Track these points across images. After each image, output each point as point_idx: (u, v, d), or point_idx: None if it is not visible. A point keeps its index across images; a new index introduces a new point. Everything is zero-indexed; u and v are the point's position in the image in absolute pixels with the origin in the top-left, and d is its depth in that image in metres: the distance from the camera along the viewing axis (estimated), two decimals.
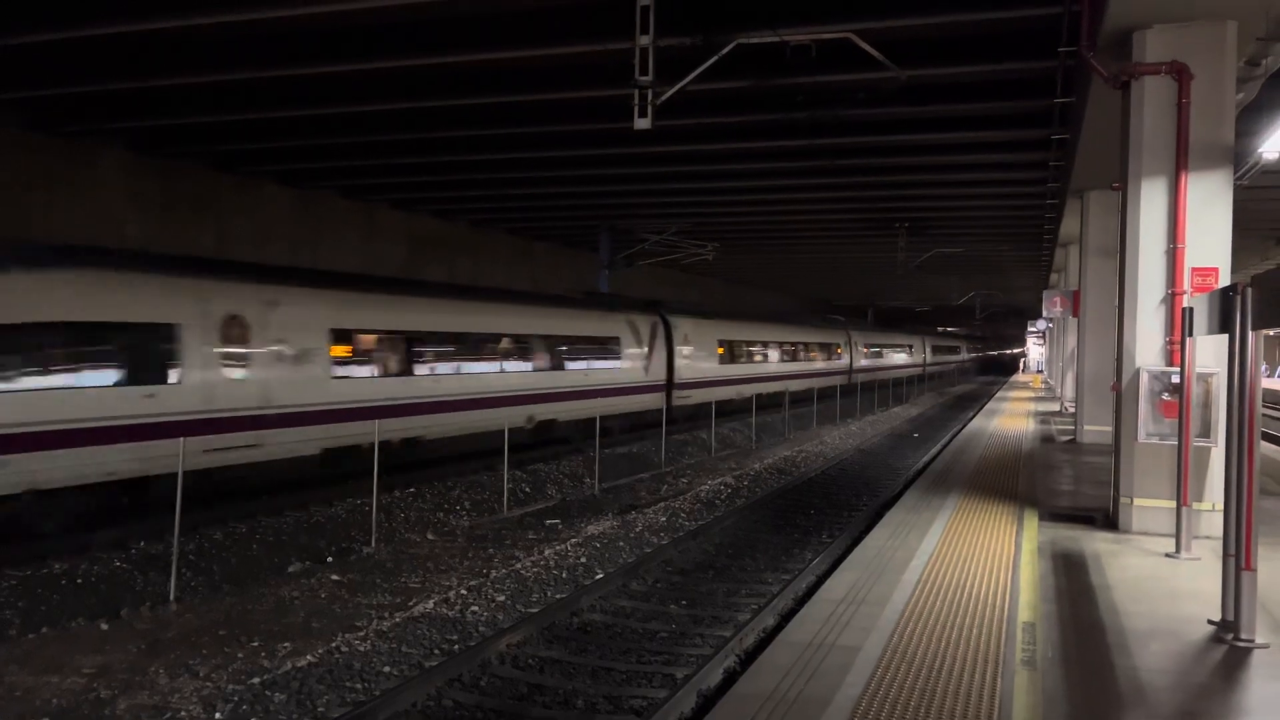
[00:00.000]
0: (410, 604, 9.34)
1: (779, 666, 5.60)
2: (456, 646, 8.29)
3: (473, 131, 15.81)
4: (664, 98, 11.11)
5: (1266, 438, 23.84)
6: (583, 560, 11.23)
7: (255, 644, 8.13)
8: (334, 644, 8.09)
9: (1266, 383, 55.76)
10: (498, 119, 15.31)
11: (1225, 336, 5.86)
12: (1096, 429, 17.13)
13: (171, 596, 9.48)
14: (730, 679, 7.21)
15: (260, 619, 8.87)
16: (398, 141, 16.86)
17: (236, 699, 6.85)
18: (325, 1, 10.37)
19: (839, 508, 15.03)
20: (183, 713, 6.61)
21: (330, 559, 11.32)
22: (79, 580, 9.80)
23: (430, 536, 12.61)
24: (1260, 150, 11.80)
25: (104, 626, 8.60)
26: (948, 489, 12.30)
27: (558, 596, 9.77)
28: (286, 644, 8.12)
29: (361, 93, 13.85)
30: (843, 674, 5.46)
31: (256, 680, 7.20)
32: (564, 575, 10.61)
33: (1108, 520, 9.85)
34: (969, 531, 9.48)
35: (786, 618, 8.76)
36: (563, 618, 9.04)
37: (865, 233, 28.36)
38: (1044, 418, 24.68)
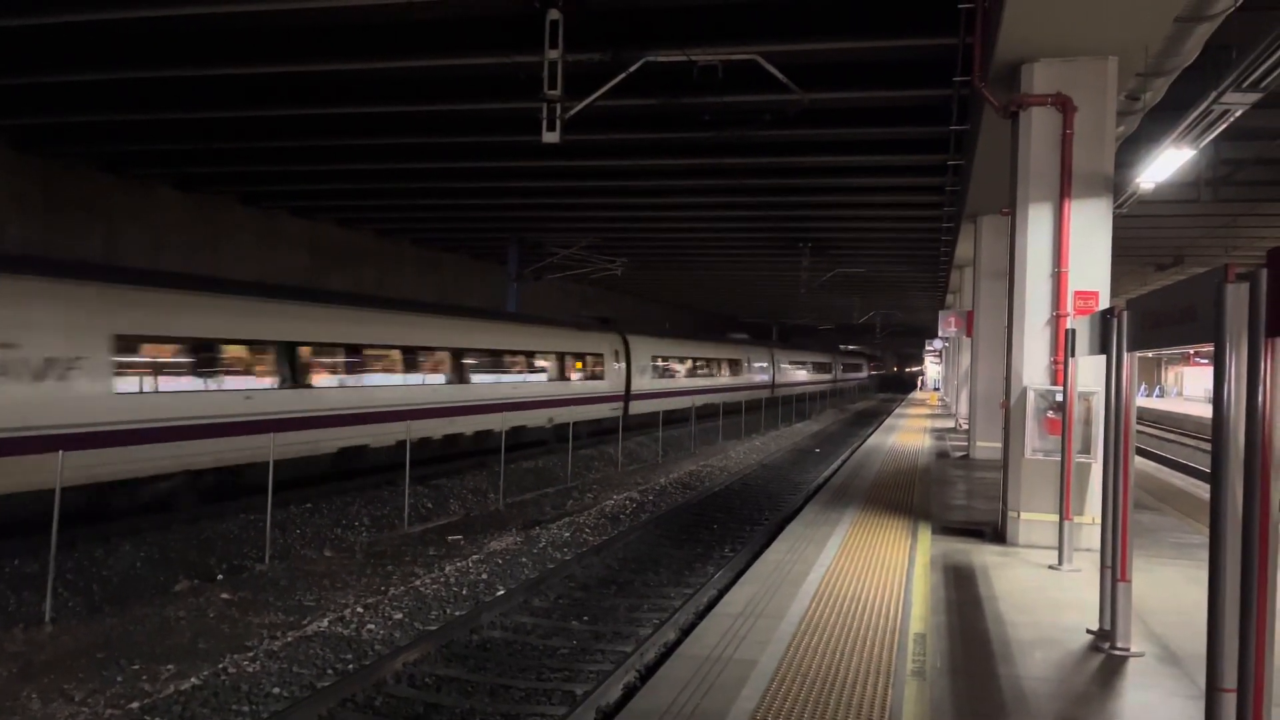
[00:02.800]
0: (304, 623, 9.07)
1: (677, 681, 5.61)
2: (351, 666, 8.09)
3: (379, 140, 15.56)
4: (573, 112, 11.14)
5: (1142, 454, 25.05)
6: (484, 576, 11.09)
7: (136, 666, 7.78)
8: (221, 665, 7.81)
9: (1144, 403, 58.64)
10: (405, 128, 15.10)
11: (1104, 357, 6.13)
12: (988, 445, 17.73)
13: (47, 617, 9.01)
14: (630, 694, 7.20)
15: (143, 640, 8.50)
16: (300, 148, 16.48)
17: None
18: (222, 2, 10.09)
19: (741, 522, 15.20)
20: None
21: (220, 576, 10.93)
22: None
23: (327, 553, 12.29)
24: (1138, 180, 12.43)
25: None
26: (846, 503, 12.56)
27: (457, 613, 9.62)
28: (170, 666, 7.80)
29: (262, 96, 13.50)
30: (739, 687, 5.50)
31: (135, 705, 6.90)
32: (464, 592, 10.45)
33: (997, 534, 10.19)
34: (865, 545, 9.69)
35: (687, 632, 8.80)
36: (462, 635, 8.90)
37: (770, 251, 28.86)
38: (940, 434, 25.44)
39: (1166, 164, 11.48)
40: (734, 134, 14.31)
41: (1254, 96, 8.86)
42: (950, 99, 12.40)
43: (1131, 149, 12.78)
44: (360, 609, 9.52)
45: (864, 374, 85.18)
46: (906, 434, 25.37)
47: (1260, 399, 3.18)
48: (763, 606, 7.28)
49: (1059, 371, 9.20)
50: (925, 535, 10.32)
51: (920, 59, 11.74)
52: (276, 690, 7.44)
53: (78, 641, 8.44)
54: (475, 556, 11.94)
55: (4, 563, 10.53)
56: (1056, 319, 9.37)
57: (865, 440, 25.12)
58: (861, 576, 8.30)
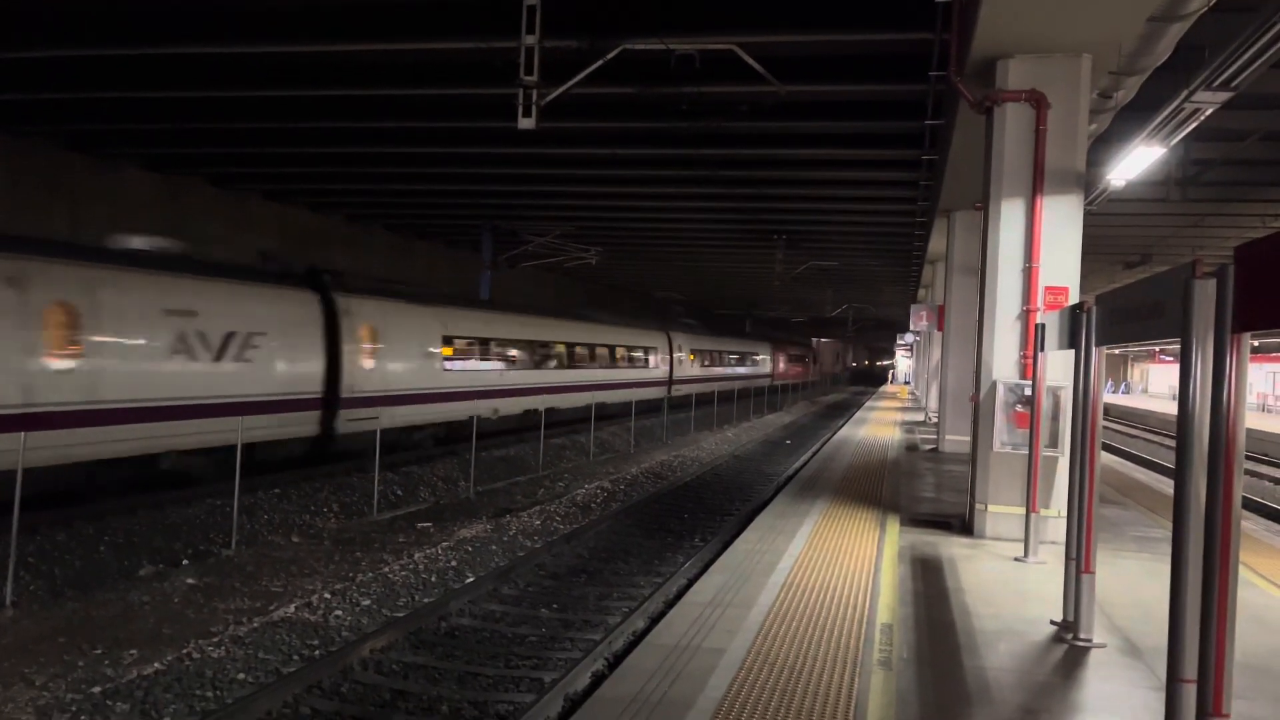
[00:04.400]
0: (270, 608, 8.99)
1: (645, 670, 5.62)
2: (318, 652, 8.03)
3: (353, 124, 15.40)
4: (549, 99, 11.07)
5: (1107, 449, 25.37)
6: (453, 564, 11.05)
7: (98, 651, 7.69)
8: (185, 650, 7.72)
9: (1110, 399, 59.40)
10: (379, 112, 14.95)
11: (1073, 352, 6.19)
12: (957, 438, 17.88)
13: (7, 601, 8.88)
14: (598, 682, 7.20)
15: (105, 625, 8.39)
16: (271, 130, 16.27)
17: (74, 709, 6.46)
18: None
19: (712, 512, 15.24)
20: None
21: (186, 561, 10.81)
22: None
23: (295, 539, 12.19)
24: (1108, 178, 12.56)
25: None
26: (816, 494, 12.62)
27: (426, 600, 9.59)
28: (133, 651, 7.70)
29: (234, 77, 13.31)
30: (707, 676, 5.52)
31: (97, 689, 6.81)
32: (433, 579, 10.41)
33: (964, 526, 10.29)
34: (834, 536, 9.75)
35: (656, 620, 8.82)
36: (430, 622, 8.87)
37: (745, 243, 28.92)
38: (909, 427, 25.64)
39: (1137, 162, 11.60)
40: (710, 125, 14.29)
41: (1224, 96, 8.96)
42: (926, 94, 12.46)
43: (1103, 147, 12.91)
44: (328, 595, 9.46)
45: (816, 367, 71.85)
46: (877, 427, 25.54)
47: (1225, 394, 3.21)
48: (732, 596, 7.31)
49: (1028, 366, 9.28)
50: (894, 527, 10.40)
51: (897, 53, 11.78)
52: (242, 676, 7.37)
53: (39, 626, 8.33)
54: (445, 544, 11.89)
55: None
56: (1027, 313, 9.46)
57: (836, 432, 25.27)
58: (830, 567, 8.35)
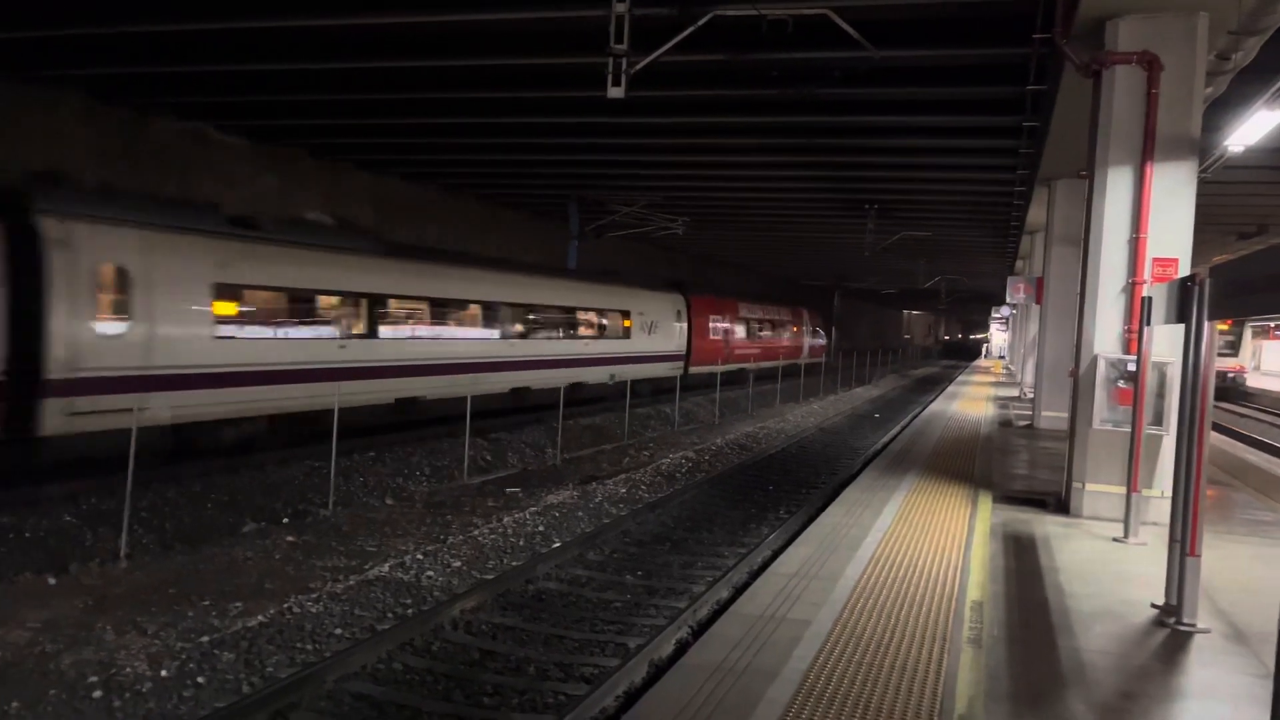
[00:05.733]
0: (365, 567, 9.29)
1: (729, 638, 5.63)
2: (410, 611, 8.27)
3: (444, 94, 15.56)
4: (638, 67, 11.01)
5: (1216, 428, 24.30)
6: (540, 529, 11.23)
7: (206, 603, 8.06)
8: (286, 605, 8.04)
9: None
10: (470, 83, 15.08)
11: (1182, 326, 5.93)
12: (1054, 415, 17.36)
13: (122, 553, 9.36)
14: (682, 650, 7.26)
15: (212, 578, 8.79)
16: (367, 101, 16.56)
17: (184, 657, 6.79)
18: None
19: (797, 484, 15.15)
20: (128, 669, 6.54)
21: (286, 520, 11.23)
22: (26, 535, 9.64)
23: (389, 501, 12.55)
24: (1225, 143, 11.93)
25: (51, 581, 8.49)
26: (904, 469, 12.42)
27: (513, 564, 9.78)
28: (238, 604, 8.05)
29: (331, 50, 13.56)
30: (792, 647, 5.51)
31: (205, 639, 7.15)
32: (521, 543, 10.61)
33: (1060, 504, 10.00)
34: (924, 511, 9.59)
35: (740, 591, 8.82)
36: (518, 585, 9.04)
37: (834, 213, 28.42)
38: (1003, 402, 24.99)
39: (1257, 127, 11.00)
40: (802, 92, 14.01)
41: None
42: (1028, 57, 11.98)
43: (1219, 111, 12.25)
44: (420, 556, 9.72)
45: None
46: (969, 402, 24.97)
47: None
48: (818, 568, 7.26)
49: (1132, 340, 8.93)
50: (985, 503, 10.18)
51: (998, 16, 11.34)
52: (338, 631, 7.64)
53: (150, 577, 8.76)
54: (532, 509, 12.09)
55: (83, 500, 10.94)
56: (1132, 286, 9.09)
57: (926, 407, 24.80)
58: (919, 542, 8.22)
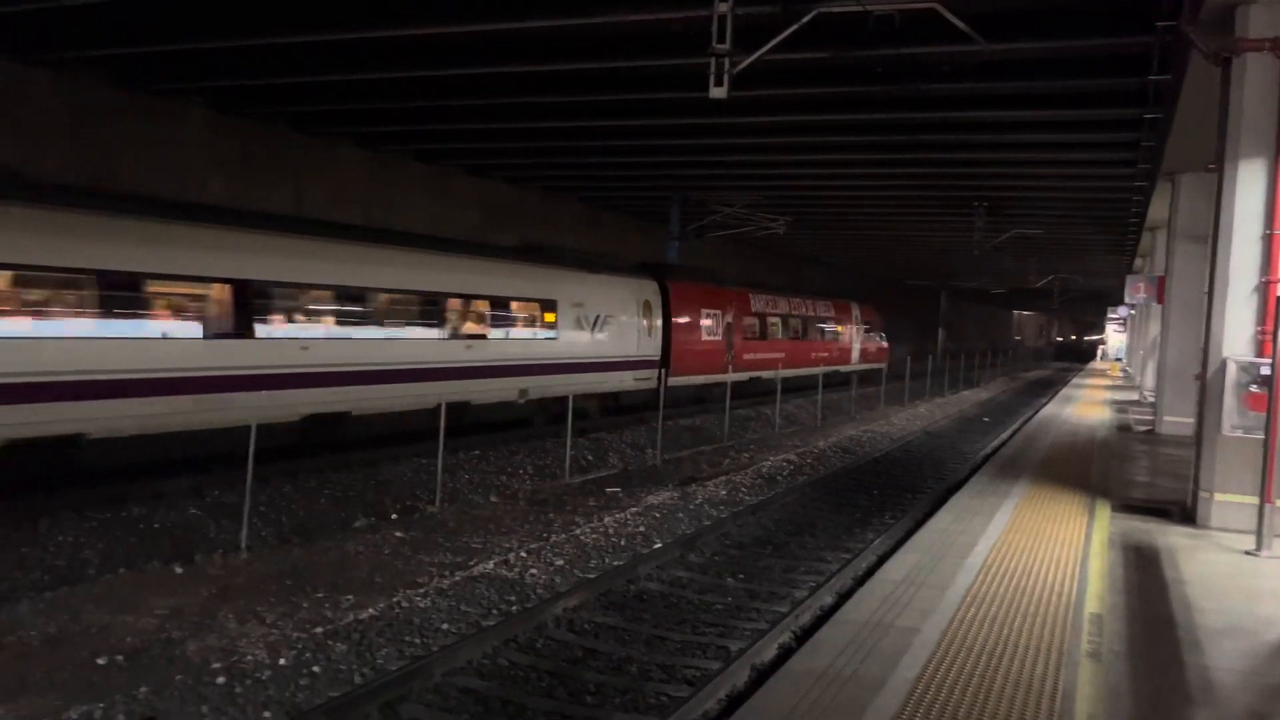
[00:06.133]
0: (470, 564, 9.47)
1: (835, 645, 5.54)
2: (514, 608, 8.39)
3: (548, 98, 15.78)
4: (740, 67, 10.94)
5: None
6: (641, 529, 11.27)
7: (320, 595, 8.33)
8: (395, 599, 8.25)
9: None
10: (574, 86, 15.24)
11: None
12: (1176, 420, 16.57)
13: (243, 545, 9.75)
14: (785, 655, 7.17)
15: (325, 571, 9.09)
16: (471, 106, 16.91)
17: (300, 646, 7.03)
18: None
19: (902, 489, 14.83)
20: (249, 657, 6.80)
21: (395, 516, 11.53)
22: (156, 525, 10.14)
23: (493, 499, 12.78)
24: None
25: (178, 570, 8.90)
26: (1016, 475, 12.03)
27: (615, 564, 9.83)
28: (349, 596, 8.30)
29: (436, 57, 13.90)
30: (899, 655, 5.38)
31: (319, 630, 7.38)
32: (622, 543, 10.66)
33: (1185, 514, 9.53)
34: (1037, 519, 9.26)
35: (845, 597, 8.68)
36: (619, 585, 9.09)
37: (941, 211, 27.74)
38: (1121, 406, 23.97)
39: None
40: (908, 88, 13.72)
41: None
42: (1151, 47, 11.46)
43: None
44: (524, 554, 9.86)
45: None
46: (1084, 405, 24.04)
47: None
48: (925, 575, 7.09)
49: (1266, 342, 8.44)
50: (1104, 512, 9.77)
51: (1118, 4, 10.88)
52: (445, 626, 7.81)
53: (269, 568, 9.11)
54: (633, 509, 12.14)
55: (206, 493, 11.45)
56: (1266, 285, 8.60)
57: (1038, 411, 23.98)
58: (1032, 551, 7.94)
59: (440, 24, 12.19)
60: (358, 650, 7.13)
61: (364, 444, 14.39)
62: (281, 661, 6.78)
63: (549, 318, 18.51)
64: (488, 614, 8.21)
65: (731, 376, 24.75)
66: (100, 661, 6.66)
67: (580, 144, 19.75)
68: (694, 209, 28.21)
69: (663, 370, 21.19)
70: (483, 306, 17.06)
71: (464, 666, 6.96)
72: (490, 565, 9.43)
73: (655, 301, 22.37)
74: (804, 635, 7.68)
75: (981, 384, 41.90)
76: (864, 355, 37.23)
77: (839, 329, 34.92)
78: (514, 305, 17.78)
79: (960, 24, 10.51)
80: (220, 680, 6.37)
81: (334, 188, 20.13)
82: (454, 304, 16.35)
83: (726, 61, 10.70)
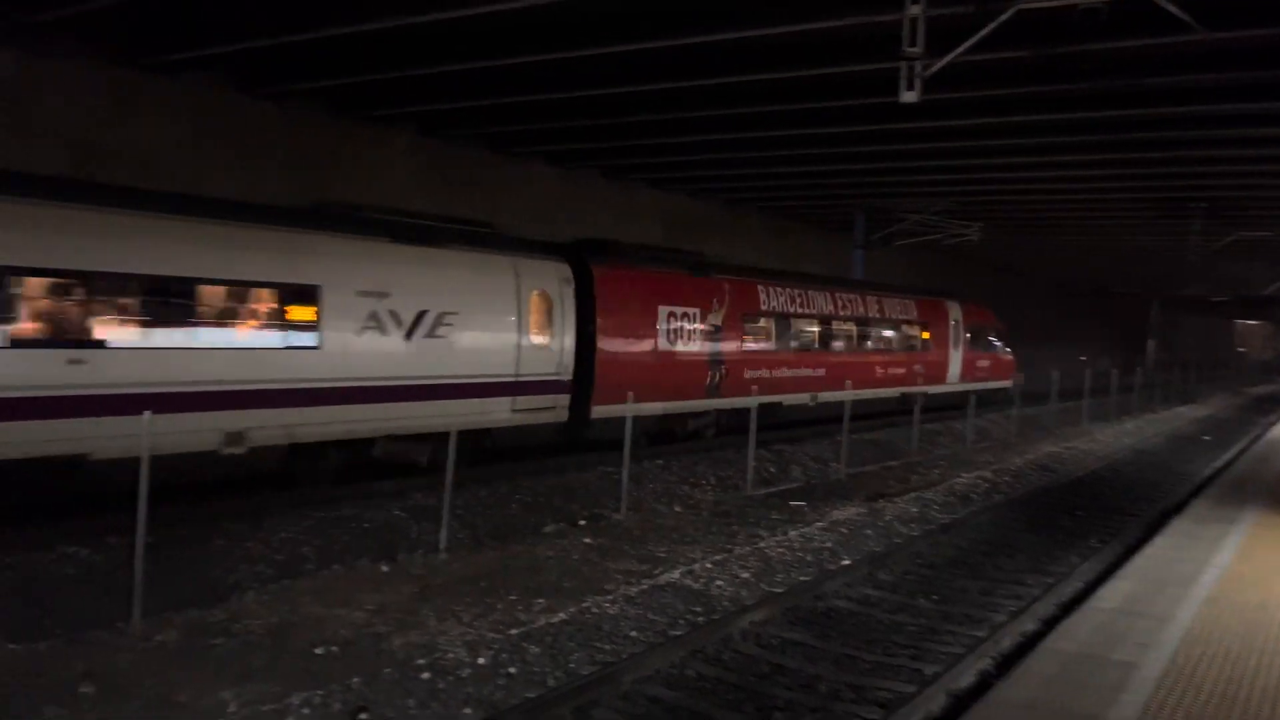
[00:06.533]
0: (656, 572, 9.56)
1: (1043, 675, 5.22)
2: (700, 619, 8.39)
3: (728, 110, 15.80)
4: (933, 69, 10.57)
5: None
6: (828, 545, 11.04)
7: (513, 597, 8.61)
8: (585, 604, 8.43)
9: None
10: (756, 97, 15.19)
11: None
12: None
13: (441, 546, 10.21)
14: (984, 682, 6.83)
15: (517, 574, 9.38)
16: (654, 121, 17.14)
17: (496, 647, 7.28)
18: None
19: (1110, 511, 13.85)
20: (450, 654, 7.11)
21: (582, 522, 11.79)
22: (365, 525, 10.78)
23: (676, 508, 12.86)
24: None
25: (383, 568, 9.43)
26: (1244, 500, 11.02)
27: (802, 579, 9.67)
28: (541, 600, 8.54)
29: (626, 73, 14.16)
30: (1116, 692, 5.01)
31: (514, 631, 7.63)
32: (808, 558, 10.48)
33: None
34: (1272, 548, 8.43)
35: (1049, 624, 8.18)
36: (807, 600, 8.93)
37: (1153, 215, 25.84)
38: None
39: None
40: (1117, 83, 12.87)
41: None
42: None
43: None
44: (709, 565, 9.85)
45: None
46: None
47: None
48: (1142, 606, 6.58)
49: None
50: None
51: None
52: (634, 633, 7.90)
53: (465, 569, 9.51)
54: (818, 524, 11.91)
55: (409, 496, 12.05)
56: None
57: (1269, 430, 21.90)
58: (1268, 583, 7.23)
59: (630, 41, 12.43)
60: (550, 653, 7.32)
61: (543, 453, 14.79)
62: (480, 660, 7.04)
63: (298, 314, 11.60)
64: (674, 623, 8.25)
65: (722, 403, 17.85)
66: (318, 651, 7.15)
67: (763, 154, 19.67)
68: (880, 217, 27.53)
69: (581, 395, 14.82)
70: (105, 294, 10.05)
71: (652, 675, 7.01)
72: (676, 575, 9.48)
73: (563, 293, 14.63)
74: (1005, 662, 7.28)
75: (1199, 399, 38.68)
76: (970, 371, 27.13)
77: (924, 335, 25.23)
78: (202, 292, 10.69)
79: (1177, 12, 9.77)
80: (424, 676, 6.68)
81: (528, 205, 20.82)
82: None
83: (918, 65, 10.36)
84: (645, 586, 9.03)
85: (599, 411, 14.94)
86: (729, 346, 17.90)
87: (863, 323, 22.57)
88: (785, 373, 19.35)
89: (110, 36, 12.92)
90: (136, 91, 13.85)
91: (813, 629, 8.23)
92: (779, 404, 18.83)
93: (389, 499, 11.78)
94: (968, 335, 27.11)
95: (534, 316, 14.24)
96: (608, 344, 15.41)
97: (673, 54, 13.47)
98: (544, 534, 11.19)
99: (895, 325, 24.08)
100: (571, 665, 7.16)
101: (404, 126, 17.89)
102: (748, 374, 18.22)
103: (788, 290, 20.04)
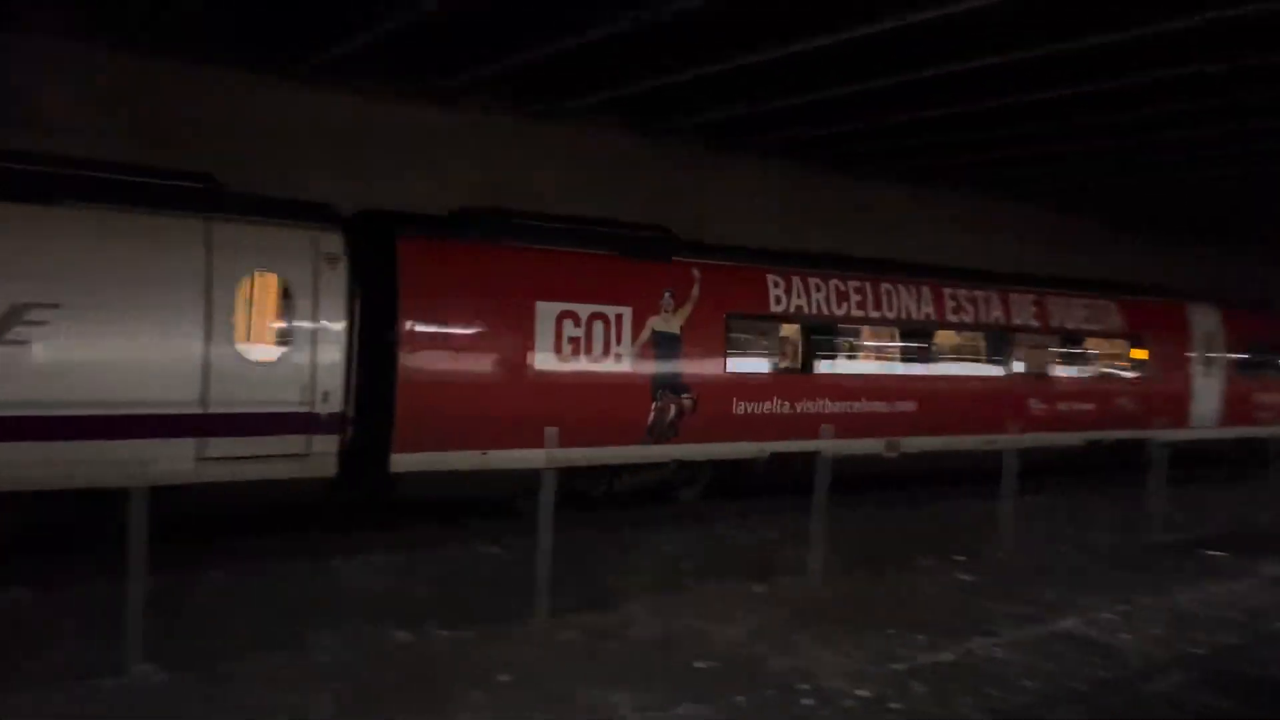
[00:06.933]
0: (1047, 617, 8.83)
1: None
2: (1101, 673, 7.58)
3: (1102, 118, 14.49)
4: None
5: None
6: (1259, 603, 9.60)
7: (890, 631, 8.26)
8: (968, 645, 7.95)
9: None
10: (1143, 99, 13.67)
11: None
12: None
13: (811, 570, 10.08)
14: None
15: (890, 605, 9.03)
16: (1015, 134, 16.06)
17: (879, 680, 7.03)
18: (948, 4, 10.06)
19: None
20: (829, 683, 6.96)
21: (961, 558, 11.15)
22: (740, 544, 10.95)
23: (1063, 549, 11.83)
24: None
25: (756, 589, 9.49)
26: None
27: (1229, 641, 8.45)
28: (921, 636, 8.14)
29: (997, 85, 13.31)
30: None
31: (896, 666, 7.34)
32: (1236, 617, 9.16)
33: None
34: None
35: None
36: (1236, 665, 7.77)
37: None
38: None
39: None
40: None
41: None
42: None
43: None
44: (1109, 615, 8.94)
45: None
46: None
47: None
48: None
49: None
50: None
51: None
52: (1027, 683, 7.29)
53: (836, 595, 9.33)
54: (1247, 579, 10.41)
55: (783, 518, 12.00)
56: None
57: None
58: None
59: (1004, 52, 11.71)
60: (936, 694, 6.94)
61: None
62: (861, 693, 6.83)
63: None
64: (1072, 676, 7.52)
65: (682, 450, 12.34)
66: (698, 665, 7.30)
67: (1159, 159, 17.75)
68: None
69: (369, 437, 10.21)
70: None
71: None
72: (1070, 622, 8.70)
73: (321, 278, 9.80)
74: None
75: None
76: (1235, 410, 18.93)
77: (1136, 354, 17.56)
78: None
79: None
80: (808, 702, 6.59)
81: (873, 225, 20.28)
82: None
83: None
84: (1037, 632, 8.36)
85: (406, 463, 10.19)
86: (694, 367, 12.23)
87: (1003, 332, 15.58)
88: (823, 405, 13.28)
89: (506, 91, 14.32)
90: (522, 135, 15.25)
91: (1248, 700, 7.15)
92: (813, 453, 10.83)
93: (762, 522, 11.82)
94: (1230, 355, 18.99)
95: (247, 313, 9.74)
96: (422, 359, 10.29)
97: (1054, 60, 12.46)
98: (917, 566, 10.73)
99: (1067, 338, 16.75)
100: (961, 710, 6.73)
101: (768, 156, 18.14)
102: (741, 406, 12.65)
103: (832, 282, 13.69)
